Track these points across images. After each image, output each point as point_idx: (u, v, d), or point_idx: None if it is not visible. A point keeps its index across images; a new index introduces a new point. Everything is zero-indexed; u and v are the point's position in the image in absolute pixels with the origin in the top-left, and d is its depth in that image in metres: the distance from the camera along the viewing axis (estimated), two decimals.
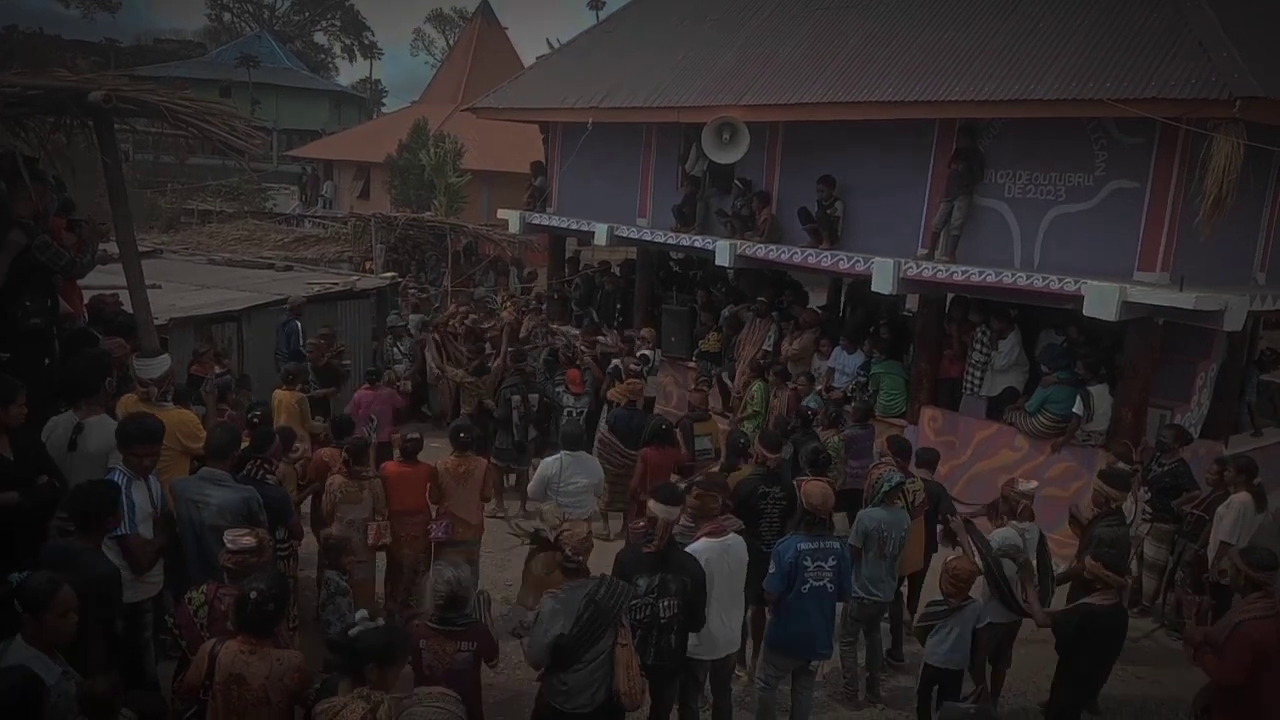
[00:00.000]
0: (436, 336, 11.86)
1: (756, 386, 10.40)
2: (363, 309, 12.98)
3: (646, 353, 11.40)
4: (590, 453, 8.37)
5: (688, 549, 5.19)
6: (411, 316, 13.08)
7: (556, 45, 16.12)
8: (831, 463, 7.64)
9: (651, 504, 5.04)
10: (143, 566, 4.97)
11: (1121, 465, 7.86)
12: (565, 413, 9.90)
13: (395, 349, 11.87)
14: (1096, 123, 8.69)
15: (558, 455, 7.59)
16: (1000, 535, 6.33)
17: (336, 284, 13.33)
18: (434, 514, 7.12)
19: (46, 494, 4.79)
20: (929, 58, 9.68)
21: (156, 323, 7.34)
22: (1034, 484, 6.70)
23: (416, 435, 7.32)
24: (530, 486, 7.78)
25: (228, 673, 3.97)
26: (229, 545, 4.53)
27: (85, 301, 7.37)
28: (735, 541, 5.38)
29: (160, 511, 5.13)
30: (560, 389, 10.27)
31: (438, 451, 8.26)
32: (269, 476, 5.90)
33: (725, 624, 5.38)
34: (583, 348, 11.60)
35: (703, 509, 5.35)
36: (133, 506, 4.83)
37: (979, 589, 6.13)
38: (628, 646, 4.52)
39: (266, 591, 4.04)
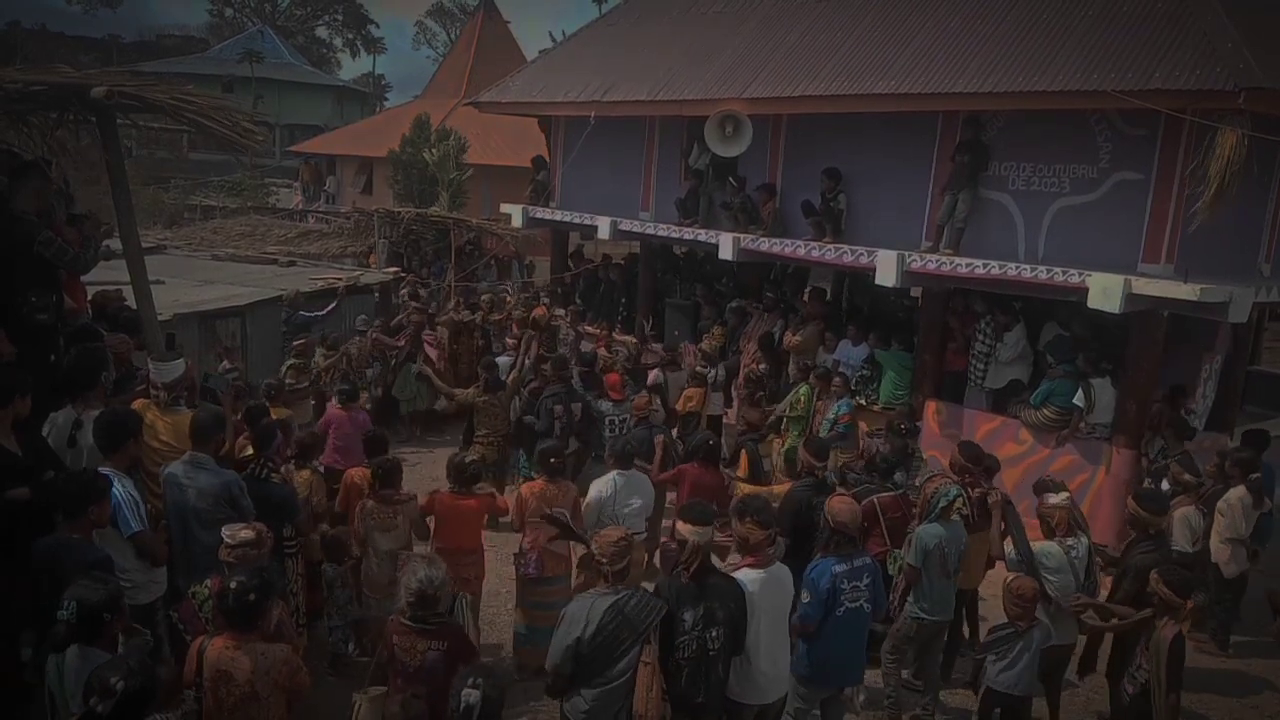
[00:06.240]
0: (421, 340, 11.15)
1: (802, 390, 9.94)
2: (365, 304, 13.01)
3: (702, 369, 10.69)
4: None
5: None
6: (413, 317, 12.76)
7: (561, 37, 15.99)
8: (894, 469, 7.13)
9: (680, 525, 4.60)
10: (160, 559, 4.99)
11: (1188, 477, 7.56)
12: (606, 422, 8.82)
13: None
14: (1100, 114, 8.65)
15: (609, 476, 6.59)
16: (1040, 549, 5.87)
17: (340, 279, 13.36)
18: (522, 546, 6.43)
19: (53, 489, 4.79)
20: (932, 50, 9.65)
21: (160, 319, 7.35)
22: (1065, 494, 6.06)
23: (468, 458, 6.37)
24: (584, 515, 6.65)
25: (214, 670, 3.92)
26: (227, 539, 4.49)
27: (89, 298, 7.37)
28: (782, 570, 4.85)
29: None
30: (597, 397, 9.16)
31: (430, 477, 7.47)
32: (273, 475, 5.85)
33: (775, 664, 4.79)
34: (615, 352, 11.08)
35: (747, 539, 4.72)
36: (137, 503, 4.83)
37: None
38: (650, 665, 4.25)
39: (246, 582, 3.98)
